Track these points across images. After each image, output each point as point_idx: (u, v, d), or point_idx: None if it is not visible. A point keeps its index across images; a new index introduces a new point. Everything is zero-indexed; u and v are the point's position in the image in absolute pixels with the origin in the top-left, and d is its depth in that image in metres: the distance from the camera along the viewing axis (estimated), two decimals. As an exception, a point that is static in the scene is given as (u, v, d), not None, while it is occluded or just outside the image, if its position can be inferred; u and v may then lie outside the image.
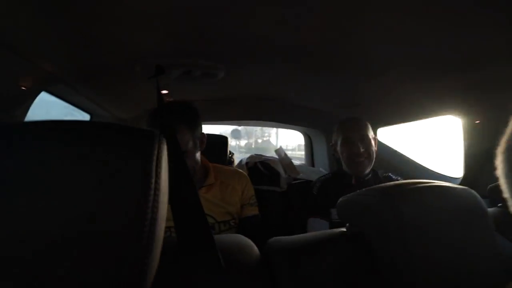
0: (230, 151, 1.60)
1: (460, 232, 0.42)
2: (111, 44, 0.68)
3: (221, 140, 1.50)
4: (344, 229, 0.51)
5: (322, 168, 1.73)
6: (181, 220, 0.42)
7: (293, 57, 0.85)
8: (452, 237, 0.41)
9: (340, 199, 0.50)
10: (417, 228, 0.40)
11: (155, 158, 0.27)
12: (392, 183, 0.46)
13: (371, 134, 1.12)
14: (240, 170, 1.11)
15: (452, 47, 0.70)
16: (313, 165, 1.91)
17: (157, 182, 0.27)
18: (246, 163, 1.52)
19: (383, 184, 0.46)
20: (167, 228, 0.38)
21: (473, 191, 0.45)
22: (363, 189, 0.47)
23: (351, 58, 0.84)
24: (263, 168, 1.47)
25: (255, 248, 0.47)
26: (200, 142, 0.92)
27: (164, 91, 1.20)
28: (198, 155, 0.92)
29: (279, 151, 1.62)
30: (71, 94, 1.01)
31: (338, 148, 1.14)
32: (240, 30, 0.65)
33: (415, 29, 0.62)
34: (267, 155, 1.63)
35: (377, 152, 1.14)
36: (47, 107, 1.04)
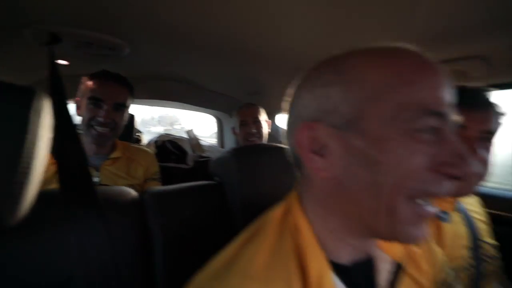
0: (138, 130, 1.61)
1: (278, 176, 0.62)
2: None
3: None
4: (214, 182, 0.68)
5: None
6: (64, 168, 0.50)
7: (199, 43, 0.93)
8: (276, 180, 0.62)
9: (212, 159, 0.66)
10: (251, 175, 0.60)
11: (33, 109, 0.34)
12: (244, 146, 0.65)
13: (264, 117, 1.36)
14: (146, 148, 1.19)
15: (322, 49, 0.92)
16: (223, 147, 2.10)
17: (35, 129, 0.34)
18: (155, 141, 1.58)
19: (239, 147, 0.65)
20: None
21: None
22: (228, 149, 0.65)
23: (253, 50, 0.98)
24: (171, 147, 1.56)
25: (134, 194, 0.58)
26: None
27: (64, 62, 1.13)
28: (125, 119, 1.02)
29: (190, 132, 1.73)
30: None
31: (237, 129, 1.35)
32: (144, 8, 0.69)
33: (300, 33, 0.79)
34: (176, 135, 1.72)
35: (270, 134, 1.39)
36: None
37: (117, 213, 0.52)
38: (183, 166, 1.53)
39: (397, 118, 0.30)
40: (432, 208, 0.33)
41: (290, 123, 0.40)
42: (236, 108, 1.39)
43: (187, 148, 1.58)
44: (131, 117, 1.53)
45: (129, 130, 1.52)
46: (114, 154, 1.01)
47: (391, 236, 0.34)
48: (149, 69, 1.28)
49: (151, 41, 0.95)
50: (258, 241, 0.37)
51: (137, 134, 1.64)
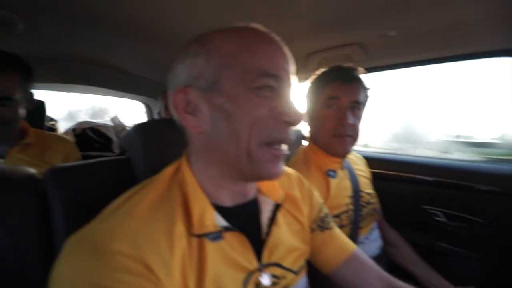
0: (51, 118, 1.47)
1: (178, 145, 0.66)
2: None
3: (36, 104, 1.36)
4: (125, 157, 0.70)
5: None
6: None
7: (112, 23, 0.90)
8: (177, 149, 0.66)
9: (123, 134, 0.68)
10: (154, 147, 0.64)
11: None
12: (147, 120, 0.69)
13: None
14: (65, 136, 1.11)
15: None
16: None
17: None
18: (73, 129, 1.46)
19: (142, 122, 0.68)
20: None
21: None
22: (133, 125, 0.68)
23: (174, 33, 0.98)
24: (93, 134, 1.47)
25: (32, 171, 0.58)
26: (28, 101, 0.92)
27: None
28: (22, 111, 0.89)
29: (114, 119, 1.65)
30: None
31: (162, 113, 1.35)
32: None
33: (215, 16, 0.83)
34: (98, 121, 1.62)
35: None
36: None
37: (9, 189, 0.51)
38: (108, 154, 1.46)
39: (244, 79, 0.39)
40: (284, 150, 0.43)
41: (170, 91, 0.46)
42: (160, 93, 1.38)
43: (112, 135, 1.51)
44: (41, 104, 1.38)
45: (40, 119, 1.37)
46: (26, 140, 0.92)
47: (255, 175, 0.43)
48: (56, 49, 1.17)
49: (51, 16, 0.87)
50: (146, 191, 0.42)
51: (50, 122, 1.49)
